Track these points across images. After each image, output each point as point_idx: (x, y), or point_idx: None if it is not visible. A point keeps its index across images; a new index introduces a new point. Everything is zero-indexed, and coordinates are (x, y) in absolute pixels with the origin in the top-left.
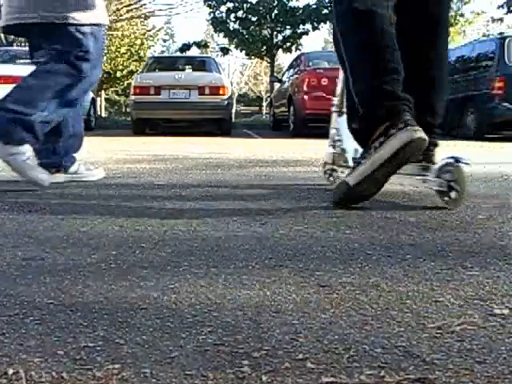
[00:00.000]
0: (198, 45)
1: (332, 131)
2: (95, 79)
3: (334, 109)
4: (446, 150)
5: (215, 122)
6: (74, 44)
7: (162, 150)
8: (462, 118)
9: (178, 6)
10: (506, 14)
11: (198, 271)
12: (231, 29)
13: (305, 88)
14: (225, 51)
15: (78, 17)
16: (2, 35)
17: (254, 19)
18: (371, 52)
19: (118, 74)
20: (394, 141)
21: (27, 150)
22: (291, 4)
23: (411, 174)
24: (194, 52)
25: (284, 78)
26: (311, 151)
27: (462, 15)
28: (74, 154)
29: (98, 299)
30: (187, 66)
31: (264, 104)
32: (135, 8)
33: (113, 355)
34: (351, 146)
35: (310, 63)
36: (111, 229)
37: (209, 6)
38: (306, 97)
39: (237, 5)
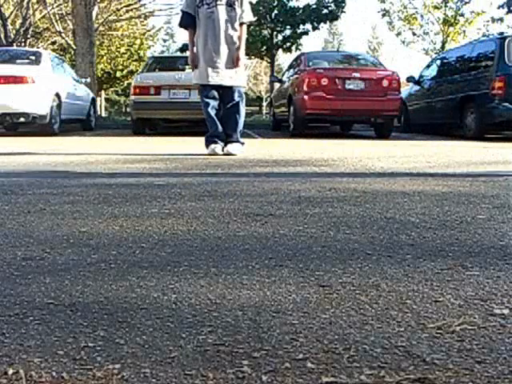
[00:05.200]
0: None
1: None
2: None
3: None
4: (445, 150)
5: None
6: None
7: (161, 150)
8: (462, 118)
9: (177, 6)
10: (506, 14)
11: (197, 271)
12: None
13: (305, 88)
14: None
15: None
16: (2, 35)
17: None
18: None
19: (118, 74)
20: None
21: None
22: (291, 4)
23: None
24: None
25: (284, 78)
26: (311, 151)
27: (462, 15)
28: None
29: (98, 299)
30: (187, 66)
31: (264, 104)
32: (135, 8)
33: (113, 355)
34: None
35: (310, 63)
36: (111, 229)
37: None
38: (305, 97)
39: None
